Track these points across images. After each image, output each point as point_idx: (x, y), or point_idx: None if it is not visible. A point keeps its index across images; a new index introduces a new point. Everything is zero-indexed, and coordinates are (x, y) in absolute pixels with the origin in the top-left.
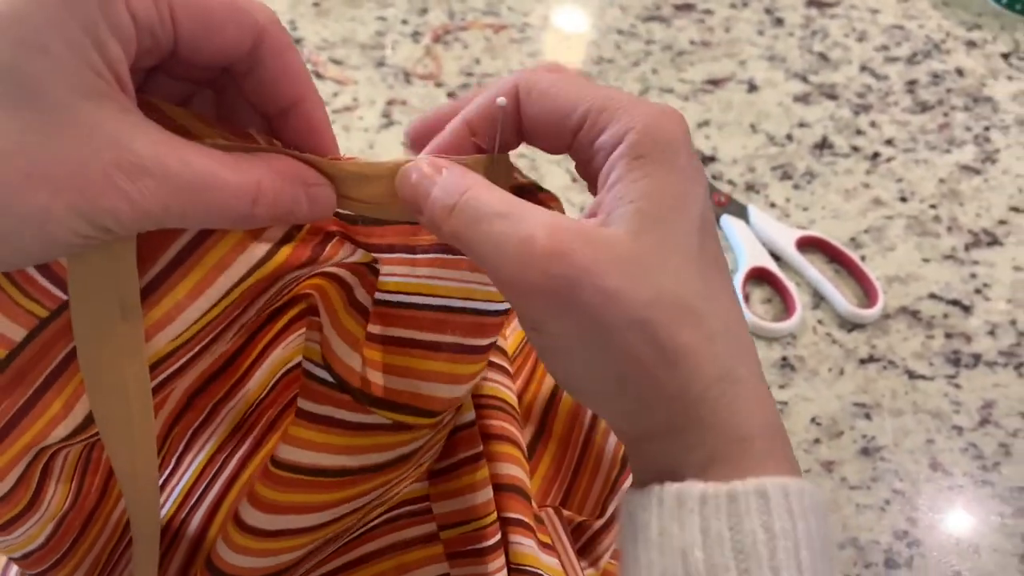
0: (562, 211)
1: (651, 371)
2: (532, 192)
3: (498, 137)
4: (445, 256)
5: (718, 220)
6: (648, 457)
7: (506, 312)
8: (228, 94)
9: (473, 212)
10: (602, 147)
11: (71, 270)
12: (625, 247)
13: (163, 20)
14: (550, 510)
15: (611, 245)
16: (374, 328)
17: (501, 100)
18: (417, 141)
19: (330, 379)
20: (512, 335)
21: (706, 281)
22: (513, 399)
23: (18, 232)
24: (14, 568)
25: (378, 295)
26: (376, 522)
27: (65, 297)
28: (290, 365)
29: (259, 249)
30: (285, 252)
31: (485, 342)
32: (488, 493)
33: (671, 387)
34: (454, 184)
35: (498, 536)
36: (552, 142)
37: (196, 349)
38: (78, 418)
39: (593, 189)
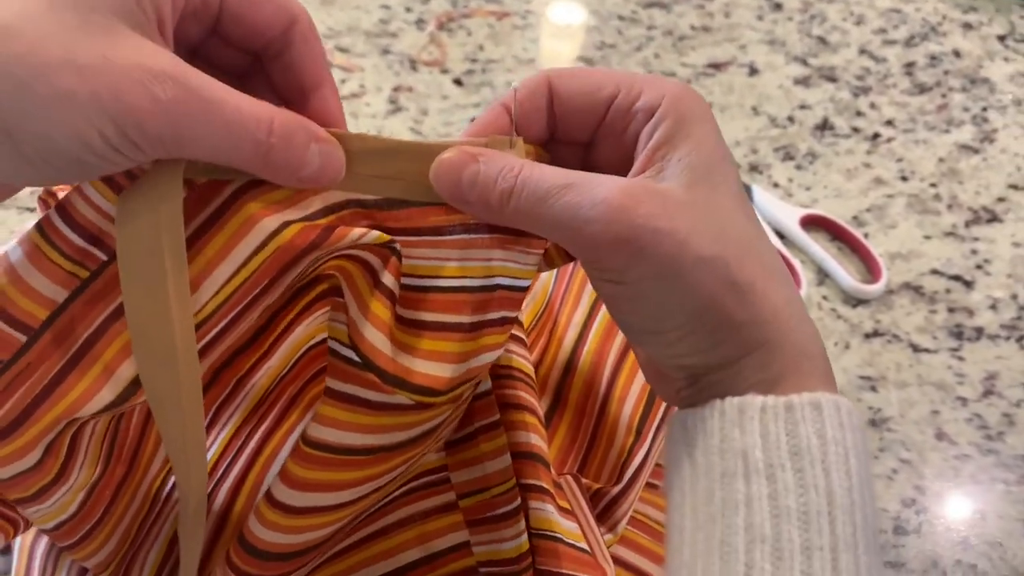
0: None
1: (724, 302)
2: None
3: (514, 119)
4: (468, 236)
5: None
6: (707, 388)
7: (525, 288)
8: (254, 82)
9: (535, 189)
10: (641, 109)
11: (119, 228)
12: (685, 196)
13: None
14: (568, 477)
15: (673, 195)
16: (403, 312)
17: (515, 84)
18: None
19: (356, 359)
20: (527, 309)
21: (753, 224)
22: (530, 369)
23: (43, 117)
24: (43, 540)
25: (404, 280)
26: (396, 494)
27: (104, 258)
28: (313, 342)
29: (271, 222)
30: (293, 229)
31: (510, 315)
32: (506, 460)
33: (743, 315)
34: (502, 169)
35: (517, 502)
36: (585, 118)
37: (226, 321)
38: (117, 388)
39: (621, 155)
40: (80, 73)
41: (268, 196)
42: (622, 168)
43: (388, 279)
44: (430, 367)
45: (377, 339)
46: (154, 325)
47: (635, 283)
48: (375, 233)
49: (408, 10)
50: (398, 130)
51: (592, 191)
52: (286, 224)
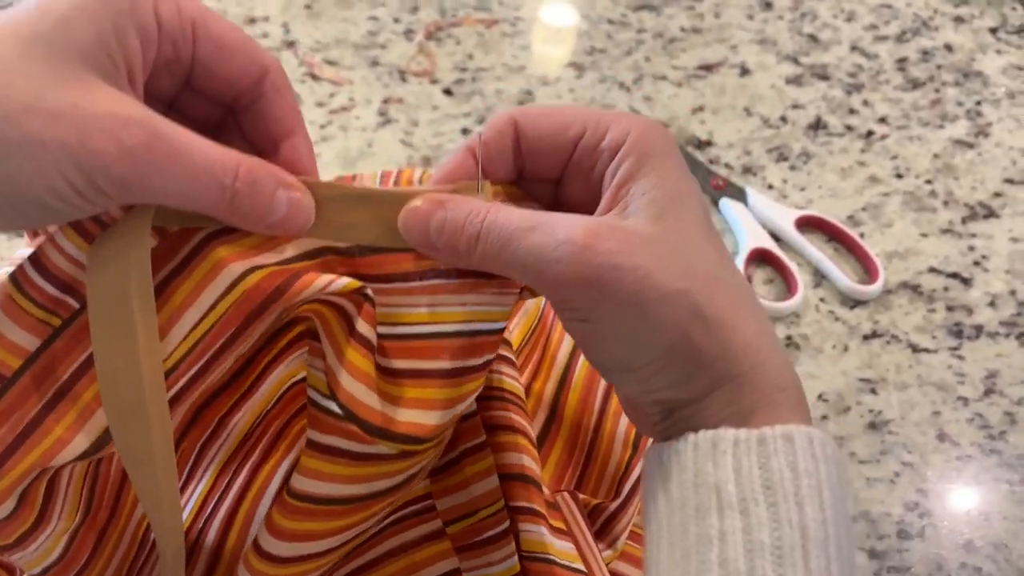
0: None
1: (694, 337)
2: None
3: (479, 165)
4: (440, 282)
5: (716, 204)
6: (682, 421)
7: (502, 330)
8: (226, 134)
9: (500, 233)
10: (606, 147)
11: (89, 275)
12: (649, 231)
13: (184, 33)
14: (565, 494)
15: (637, 231)
16: (381, 361)
17: (478, 131)
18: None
19: (337, 410)
20: (517, 328)
21: (721, 255)
22: (519, 390)
23: (9, 159)
24: None
25: (380, 329)
26: (381, 525)
27: (77, 306)
28: (295, 379)
29: (238, 267)
30: (260, 273)
31: (483, 360)
32: (492, 482)
33: (714, 350)
34: (468, 214)
35: (506, 523)
36: (553, 157)
37: (197, 367)
38: (91, 436)
39: (590, 192)
40: (49, 119)
41: (238, 242)
42: (591, 205)
43: (363, 327)
44: (414, 415)
45: (357, 389)
46: (123, 372)
47: (602, 321)
48: (343, 280)
49: (396, 21)
50: (388, 142)
51: (555, 232)
52: (253, 268)
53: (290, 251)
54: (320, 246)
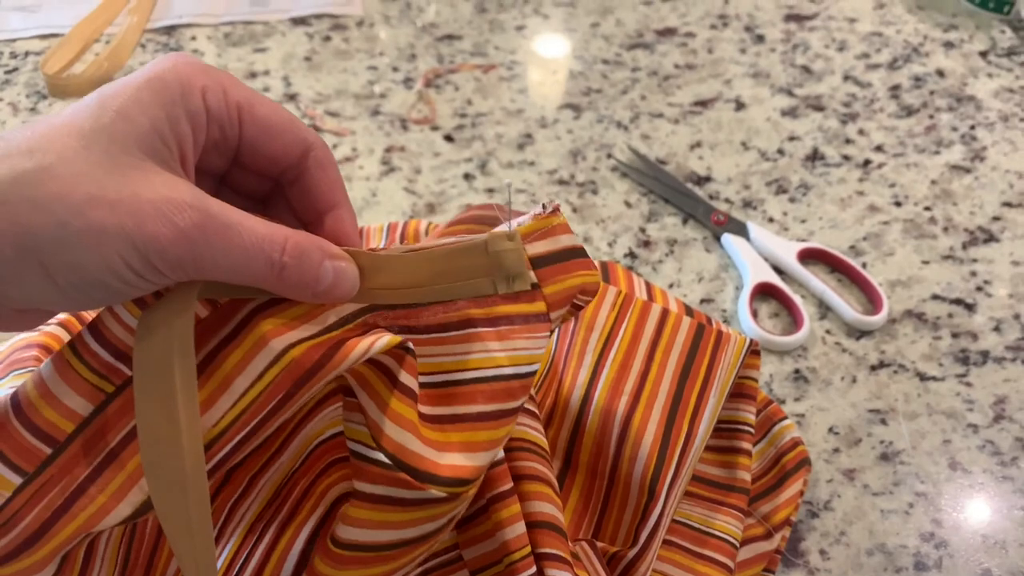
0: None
1: None
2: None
3: (508, 211)
4: (469, 331)
5: (719, 240)
6: None
7: (532, 374)
8: (275, 206)
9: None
10: None
11: (137, 342)
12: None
13: (231, 117)
14: (584, 543)
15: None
16: (426, 409)
17: (507, 182)
18: None
19: (385, 460)
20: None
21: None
22: (542, 440)
23: (75, 246)
24: None
25: (421, 379)
26: None
27: (129, 373)
28: (322, 438)
29: (281, 342)
30: (303, 346)
31: (516, 404)
32: (519, 528)
33: None
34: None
35: (532, 569)
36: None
37: (242, 434)
38: (133, 505)
39: None
40: (110, 208)
41: (285, 313)
42: None
43: (406, 378)
44: (457, 459)
45: (404, 438)
46: (164, 440)
47: None
48: (385, 339)
49: (395, 70)
50: (392, 191)
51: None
52: (300, 341)
53: (332, 317)
54: (359, 308)
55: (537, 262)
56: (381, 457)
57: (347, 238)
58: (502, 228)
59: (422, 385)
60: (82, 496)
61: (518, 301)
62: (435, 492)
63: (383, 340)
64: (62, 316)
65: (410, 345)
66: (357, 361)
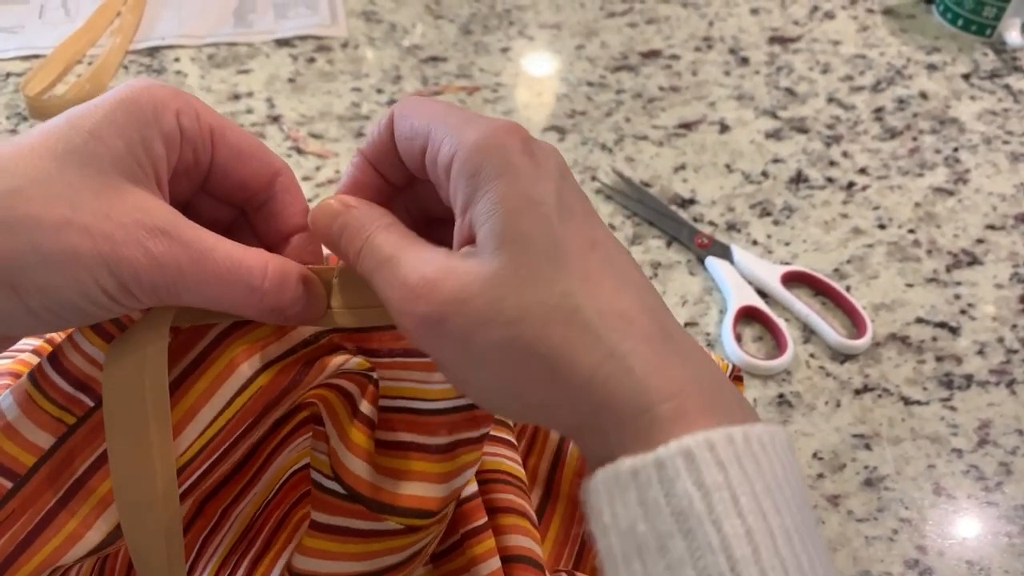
0: None
1: (535, 378)
2: None
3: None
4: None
5: (703, 263)
6: (588, 449)
7: None
8: (238, 231)
9: (371, 257)
10: (442, 165)
11: (106, 368)
12: (486, 271)
13: (204, 140)
14: (564, 574)
15: (473, 273)
16: (383, 435)
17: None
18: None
19: (341, 491)
20: None
21: (575, 271)
22: (518, 470)
23: (48, 269)
24: None
25: (383, 402)
26: None
27: (91, 404)
28: (295, 468)
29: (250, 367)
30: (274, 370)
31: (480, 433)
32: (494, 563)
33: (556, 388)
34: (359, 226)
35: None
36: (413, 164)
37: (210, 461)
38: (100, 534)
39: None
40: (84, 231)
41: (251, 335)
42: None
43: (366, 407)
44: (415, 488)
45: (361, 468)
46: (137, 470)
47: (449, 368)
48: (356, 360)
49: (379, 91)
50: None
51: (399, 271)
52: (267, 365)
53: (296, 337)
54: (322, 329)
55: None
56: (338, 488)
57: (312, 257)
58: None
59: (381, 409)
60: (47, 528)
61: None
62: (392, 524)
63: (354, 360)
64: (36, 343)
65: (375, 374)
66: (328, 376)
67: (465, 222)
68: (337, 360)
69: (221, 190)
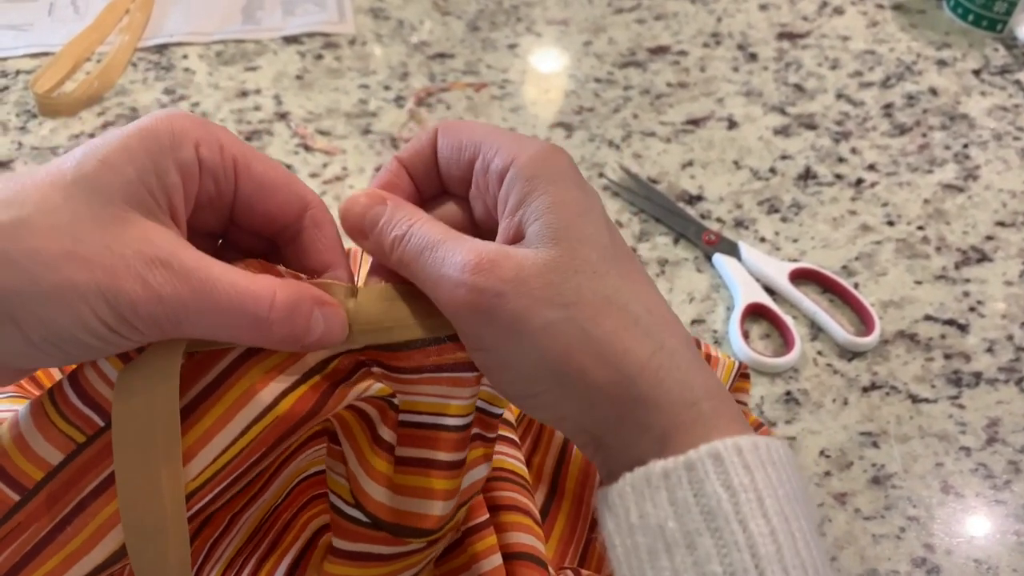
0: None
1: (583, 362)
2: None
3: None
4: (459, 375)
5: (710, 260)
6: (613, 457)
7: (501, 415)
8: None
9: (417, 242)
10: (494, 173)
11: (116, 394)
12: (541, 259)
13: (226, 170)
14: (569, 572)
15: (531, 257)
16: (399, 451)
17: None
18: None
19: (364, 519)
20: None
21: (622, 274)
22: (523, 470)
23: (47, 303)
24: None
25: (404, 416)
26: None
27: (101, 423)
28: (305, 474)
29: (268, 394)
30: (291, 399)
31: (487, 435)
32: (496, 560)
33: (606, 373)
34: (403, 214)
35: None
36: (456, 173)
37: (220, 487)
38: (104, 553)
39: (494, 217)
40: (84, 263)
41: (269, 360)
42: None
43: (386, 433)
44: (438, 508)
45: (382, 495)
46: (144, 499)
47: (493, 350)
48: (378, 386)
49: (387, 88)
50: None
51: (455, 252)
52: (284, 394)
53: (312, 360)
54: (338, 352)
55: None
56: (360, 516)
57: None
58: None
59: (401, 424)
60: (51, 543)
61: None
62: (415, 544)
63: (374, 387)
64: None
65: (395, 400)
66: (343, 406)
67: (514, 221)
68: (358, 388)
69: (248, 223)
